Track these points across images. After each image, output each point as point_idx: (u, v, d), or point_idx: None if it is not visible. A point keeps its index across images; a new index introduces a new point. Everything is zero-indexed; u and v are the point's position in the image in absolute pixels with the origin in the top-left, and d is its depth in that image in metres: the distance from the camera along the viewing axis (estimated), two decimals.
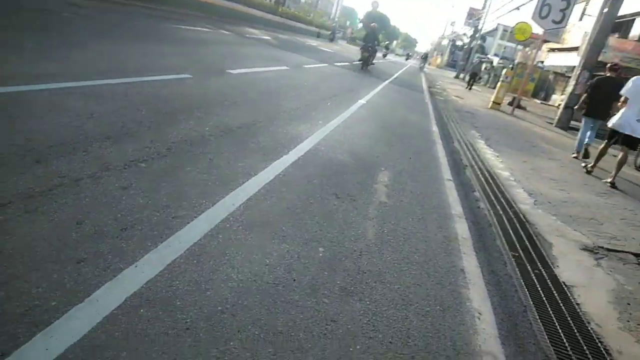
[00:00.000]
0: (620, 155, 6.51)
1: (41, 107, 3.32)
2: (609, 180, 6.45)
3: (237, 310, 1.79)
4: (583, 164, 7.44)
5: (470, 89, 22.67)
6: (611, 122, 6.63)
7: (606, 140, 6.86)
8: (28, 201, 2.11)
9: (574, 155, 8.38)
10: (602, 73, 8.41)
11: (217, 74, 6.95)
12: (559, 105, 15.56)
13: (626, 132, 6.34)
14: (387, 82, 14.80)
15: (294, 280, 2.10)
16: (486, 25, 39.47)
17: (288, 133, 4.60)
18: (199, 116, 4.23)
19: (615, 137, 6.61)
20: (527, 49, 31.48)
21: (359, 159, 4.47)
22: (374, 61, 18.27)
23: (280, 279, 2.08)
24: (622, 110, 6.44)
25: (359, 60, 16.89)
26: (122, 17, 10.91)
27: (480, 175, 5.22)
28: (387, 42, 24.91)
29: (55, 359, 1.35)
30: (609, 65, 8.33)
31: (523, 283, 2.82)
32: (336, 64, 15.73)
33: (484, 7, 36.64)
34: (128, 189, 2.47)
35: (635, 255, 3.68)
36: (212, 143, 3.62)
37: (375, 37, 17.87)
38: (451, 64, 62.24)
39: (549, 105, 25.19)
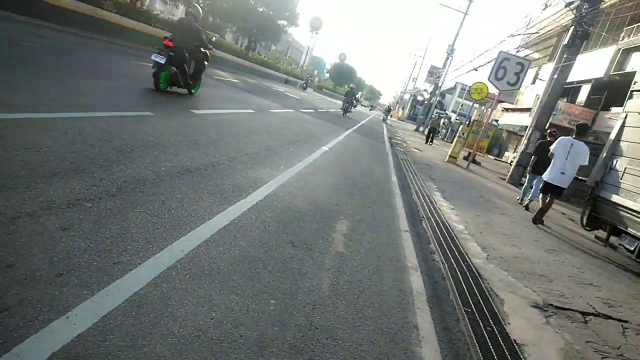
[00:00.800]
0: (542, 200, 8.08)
1: None
2: (526, 204, 9.35)
3: None
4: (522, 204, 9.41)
5: (430, 143, 23.41)
6: (545, 176, 8.02)
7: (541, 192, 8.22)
8: None
9: (518, 199, 10.26)
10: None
11: (180, 113, 6.88)
12: (512, 162, 16.40)
13: (548, 181, 7.85)
14: (350, 130, 15.15)
15: (241, 336, 1.98)
16: (445, 83, 41.75)
17: (248, 177, 4.54)
18: (156, 155, 4.12)
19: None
20: (483, 107, 33.53)
21: (318, 206, 4.44)
22: (352, 110, 26.02)
23: (225, 335, 1.95)
24: (550, 165, 7.92)
25: (341, 109, 24.42)
26: (84, 51, 10.77)
27: (436, 227, 5.30)
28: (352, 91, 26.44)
29: None
30: (548, 131, 10.04)
31: (475, 341, 2.79)
32: (302, 110, 16.03)
33: (444, 66, 38.78)
34: (69, 230, 2.31)
35: (582, 313, 3.76)
36: (166, 184, 3.50)
37: (354, 93, 25.11)
38: (412, 117, 65.14)
39: (502, 161, 26.50)
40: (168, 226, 2.78)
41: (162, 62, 7.55)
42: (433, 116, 34.35)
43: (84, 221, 2.46)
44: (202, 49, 8.86)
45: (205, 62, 9.24)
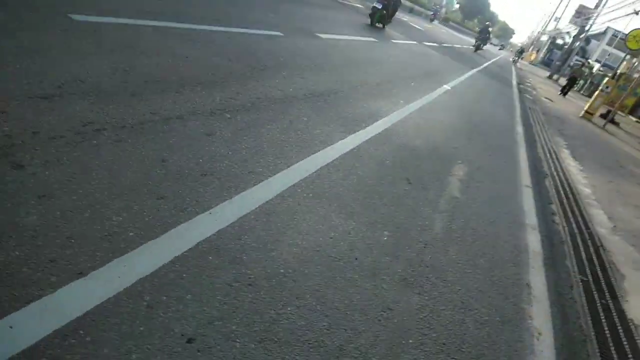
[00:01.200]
0: None
1: (143, 43, 3.46)
2: None
3: (297, 276, 1.79)
4: None
5: (565, 94, 20.59)
6: None
7: None
8: (120, 131, 2.21)
9: None
10: None
11: (307, 35, 6.90)
12: None
13: None
14: (475, 70, 14.06)
15: (356, 259, 2.07)
16: (594, 27, 35.92)
17: (368, 107, 4.50)
18: (285, 76, 4.23)
19: None
20: (635, 60, 28.39)
21: (436, 147, 4.30)
22: (484, 48, 26.31)
23: (342, 255, 2.06)
24: None
25: (473, 46, 24.42)
26: None
27: (560, 188, 4.86)
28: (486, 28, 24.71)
29: (126, 289, 1.43)
30: None
31: (588, 311, 2.61)
32: (425, 43, 15.14)
33: (596, 6, 33.24)
34: (212, 136, 2.53)
35: None
36: (293, 105, 3.61)
37: (487, 32, 24.84)
38: (546, 62, 57.79)
39: None
40: (295, 145, 2.91)
41: (380, 7, 11.65)
42: (574, 64, 30.33)
43: (224, 130, 2.66)
44: None
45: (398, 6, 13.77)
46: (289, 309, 1.62)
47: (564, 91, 20.05)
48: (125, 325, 1.32)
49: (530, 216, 3.66)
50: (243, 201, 2.10)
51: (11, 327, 1.18)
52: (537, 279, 2.70)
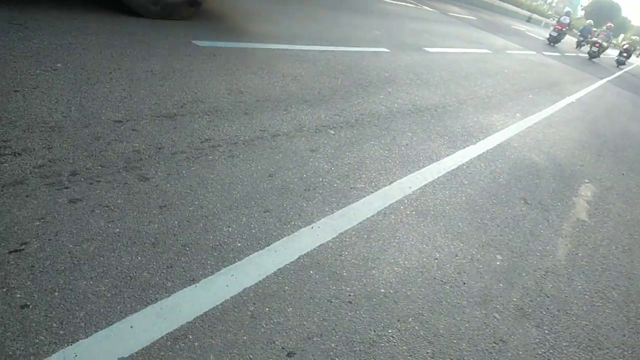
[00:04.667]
0: None
1: (256, 64, 3.69)
2: None
3: (399, 297, 1.72)
4: None
5: None
6: None
7: None
8: (233, 147, 2.36)
9: None
10: None
11: (413, 50, 6.80)
12: None
13: None
14: (604, 80, 12.62)
15: (464, 283, 1.93)
16: None
17: (479, 121, 4.25)
18: (390, 91, 4.19)
19: None
20: None
21: (557, 164, 3.89)
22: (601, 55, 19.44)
23: (448, 278, 1.93)
24: None
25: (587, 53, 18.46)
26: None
27: None
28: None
29: (232, 298, 1.49)
30: None
31: None
32: (545, 52, 14.01)
33: None
34: (316, 152, 2.58)
35: None
36: (398, 120, 3.54)
37: (610, 35, 19.32)
38: None
39: None
40: (398, 161, 2.84)
41: None
42: None
43: (327, 146, 2.70)
44: None
45: None
46: (389, 331, 1.55)
47: None
48: (230, 333, 1.37)
49: None
50: (344, 217, 2.09)
51: (132, 327, 1.29)
52: None
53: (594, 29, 21.08)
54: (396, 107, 3.81)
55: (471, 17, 17.71)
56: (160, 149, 2.13)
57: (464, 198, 2.69)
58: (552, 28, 19.12)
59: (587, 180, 3.76)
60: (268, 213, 1.94)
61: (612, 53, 34.24)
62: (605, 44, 18.80)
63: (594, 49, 18.14)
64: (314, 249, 1.82)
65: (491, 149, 3.64)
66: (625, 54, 21.14)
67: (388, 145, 3.03)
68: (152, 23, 3.76)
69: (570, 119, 5.95)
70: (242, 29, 4.64)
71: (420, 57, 6.41)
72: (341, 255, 1.84)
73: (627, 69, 23.09)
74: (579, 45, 21.81)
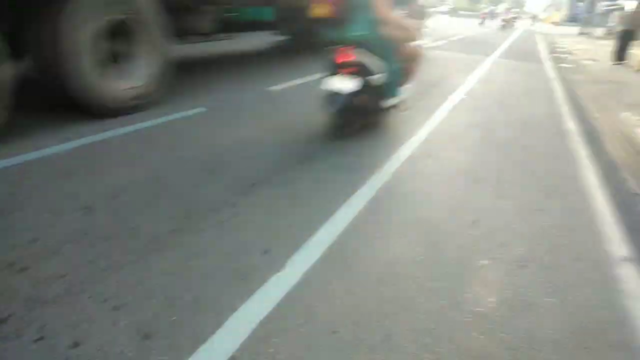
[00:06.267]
0: None
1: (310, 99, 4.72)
2: None
3: None
4: None
5: (621, 60, 12.91)
6: None
7: None
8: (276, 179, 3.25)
9: None
10: None
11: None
12: None
13: None
14: (492, 56, 12.64)
15: None
16: None
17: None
18: None
19: None
20: None
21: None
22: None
23: None
24: None
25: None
26: None
27: None
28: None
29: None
30: None
31: None
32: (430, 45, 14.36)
33: None
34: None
35: None
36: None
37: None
38: (572, 19, 54.58)
39: None
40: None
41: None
42: (605, 9, 26.64)
43: None
44: None
45: None
46: None
47: (619, 55, 13.01)
48: None
49: None
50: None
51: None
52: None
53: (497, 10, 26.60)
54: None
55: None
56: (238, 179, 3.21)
57: None
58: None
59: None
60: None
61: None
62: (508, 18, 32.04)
63: (503, 23, 30.66)
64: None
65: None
66: (505, 23, 31.53)
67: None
68: None
69: (458, 133, 4.83)
70: (303, 73, 6.96)
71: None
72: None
73: (516, 36, 24.35)
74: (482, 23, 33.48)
